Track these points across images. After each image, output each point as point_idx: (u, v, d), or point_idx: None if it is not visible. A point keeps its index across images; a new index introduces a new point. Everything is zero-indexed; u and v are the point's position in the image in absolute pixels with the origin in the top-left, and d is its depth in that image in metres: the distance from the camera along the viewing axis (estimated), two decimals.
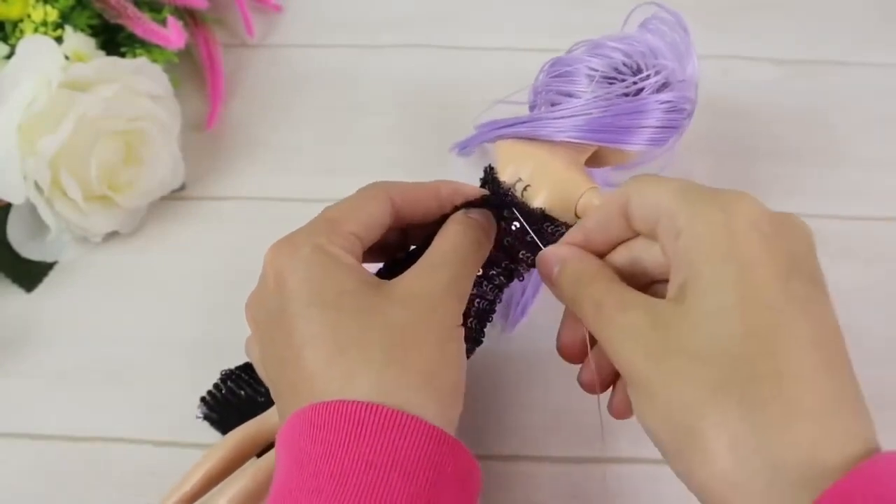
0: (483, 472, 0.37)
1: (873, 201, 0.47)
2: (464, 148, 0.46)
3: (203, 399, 0.39)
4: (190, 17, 0.52)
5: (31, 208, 0.42)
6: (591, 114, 0.36)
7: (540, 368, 0.41)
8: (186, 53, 0.50)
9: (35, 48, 0.42)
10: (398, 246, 0.35)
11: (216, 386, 0.39)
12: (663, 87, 0.37)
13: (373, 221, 0.31)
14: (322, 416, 0.26)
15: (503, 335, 0.42)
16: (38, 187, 0.42)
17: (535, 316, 0.42)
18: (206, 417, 0.39)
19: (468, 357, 0.33)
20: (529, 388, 0.40)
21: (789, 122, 0.51)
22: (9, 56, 0.43)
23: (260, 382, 0.38)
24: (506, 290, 0.41)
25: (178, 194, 0.47)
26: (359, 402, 0.26)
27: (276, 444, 0.28)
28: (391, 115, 0.51)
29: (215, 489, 0.33)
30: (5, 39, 0.44)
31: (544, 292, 0.43)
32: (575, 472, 0.38)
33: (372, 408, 0.25)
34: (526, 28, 0.55)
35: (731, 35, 0.55)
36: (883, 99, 0.52)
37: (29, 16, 0.44)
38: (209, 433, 0.39)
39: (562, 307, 0.43)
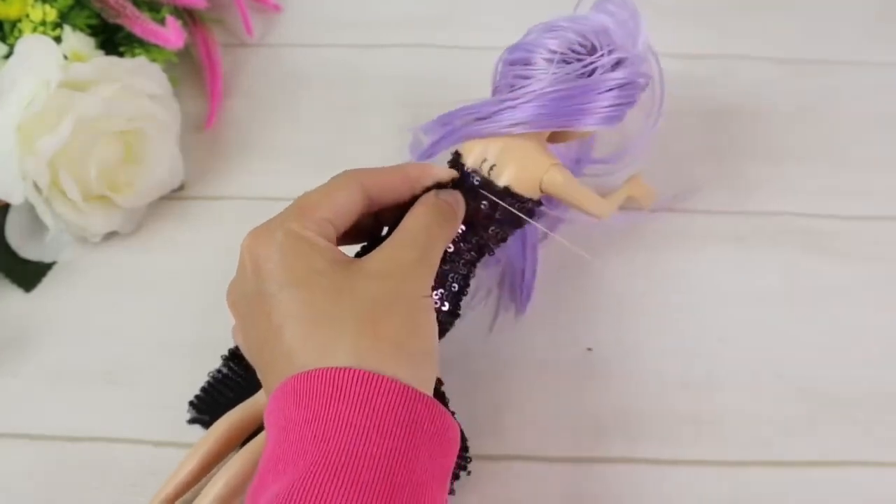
0: (481, 472, 0.37)
1: (873, 201, 0.47)
2: (425, 156, 0.45)
3: (191, 403, 0.39)
4: (189, 17, 0.52)
5: (30, 208, 0.42)
6: (543, 102, 0.37)
7: (539, 369, 0.41)
8: (185, 53, 0.50)
9: (34, 48, 0.41)
10: (373, 229, 0.36)
11: (203, 389, 0.39)
12: (617, 64, 0.38)
13: (344, 207, 0.33)
14: (303, 384, 0.27)
15: (502, 336, 0.42)
16: (37, 187, 0.41)
17: (534, 317, 0.42)
18: (196, 421, 0.39)
19: (447, 330, 0.36)
20: (528, 389, 0.40)
21: (789, 122, 0.51)
22: (7, 56, 0.43)
23: (249, 375, 0.38)
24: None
25: (177, 194, 0.47)
26: (337, 368, 0.27)
27: (265, 420, 0.29)
28: (391, 114, 0.51)
29: (207, 482, 0.33)
30: (4, 39, 0.44)
31: (539, 281, 0.43)
32: (573, 472, 0.38)
33: (349, 372, 0.27)
34: (526, 28, 0.55)
35: (732, 35, 0.54)
36: (883, 99, 0.52)
37: (28, 15, 0.44)
38: None
39: (560, 307, 0.43)
